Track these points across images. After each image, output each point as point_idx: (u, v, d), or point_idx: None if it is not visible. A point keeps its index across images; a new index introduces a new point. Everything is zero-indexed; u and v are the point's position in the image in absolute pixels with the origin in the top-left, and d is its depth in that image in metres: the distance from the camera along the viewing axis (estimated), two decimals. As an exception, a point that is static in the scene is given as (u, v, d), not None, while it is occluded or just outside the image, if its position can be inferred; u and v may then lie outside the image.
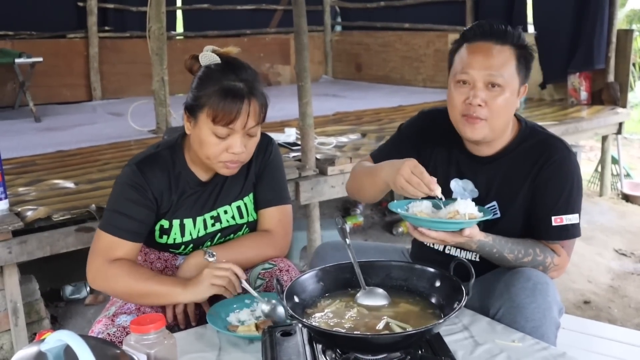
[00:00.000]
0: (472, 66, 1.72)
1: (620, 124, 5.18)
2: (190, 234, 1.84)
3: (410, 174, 1.60)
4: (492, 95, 1.71)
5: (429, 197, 1.63)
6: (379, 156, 1.99)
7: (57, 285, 3.46)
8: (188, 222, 1.83)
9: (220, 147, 1.68)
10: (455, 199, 1.69)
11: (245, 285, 1.67)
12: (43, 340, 1.12)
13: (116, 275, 1.70)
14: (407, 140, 1.97)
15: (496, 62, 1.71)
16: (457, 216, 1.60)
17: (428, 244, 1.91)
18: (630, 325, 3.14)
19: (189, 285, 1.68)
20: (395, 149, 1.98)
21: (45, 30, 6.35)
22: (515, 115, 1.84)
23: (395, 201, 1.74)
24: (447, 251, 1.91)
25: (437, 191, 1.59)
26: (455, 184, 1.88)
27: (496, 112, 1.72)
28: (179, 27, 7.54)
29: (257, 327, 1.57)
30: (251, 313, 1.66)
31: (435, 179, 1.60)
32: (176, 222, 1.82)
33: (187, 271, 1.78)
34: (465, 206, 1.62)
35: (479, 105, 1.71)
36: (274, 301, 1.62)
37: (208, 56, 1.72)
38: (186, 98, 1.74)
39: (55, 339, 1.11)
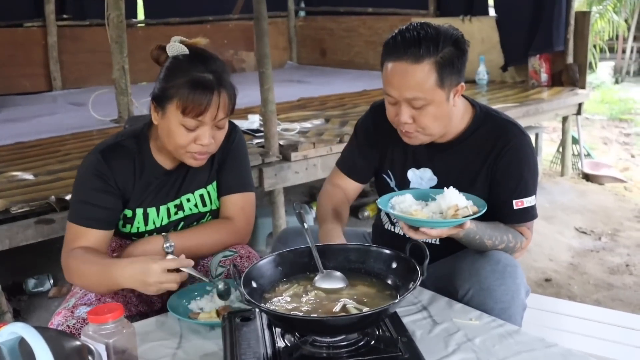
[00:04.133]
0: (392, 86, 1.70)
1: (580, 105, 5.26)
2: (154, 223, 1.83)
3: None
4: (417, 112, 1.70)
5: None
6: (344, 164, 2.03)
7: (19, 279, 3.41)
8: (152, 211, 1.82)
9: (188, 139, 1.68)
10: (442, 190, 1.64)
11: (192, 271, 1.62)
12: (-3, 333, 1.11)
13: (72, 265, 1.70)
14: (363, 141, 1.99)
15: (413, 82, 1.66)
16: (459, 211, 1.57)
17: (390, 230, 1.96)
18: (589, 300, 3.23)
19: (137, 278, 1.58)
20: (355, 151, 2.01)
21: (1, 19, 6.16)
22: (468, 100, 1.86)
23: (383, 196, 1.71)
24: (408, 235, 1.92)
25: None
26: (412, 174, 1.90)
27: (425, 125, 1.72)
28: (140, 14, 7.41)
29: (218, 313, 1.58)
30: (212, 300, 1.66)
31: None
32: (139, 211, 1.81)
33: (139, 252, 1.75)
34: (457, 198, 1.59)
35: (407, 122, 1.72)
36: (227, 282, 1.63)
37: (175, 47, 1.70)
38: (153, 88, 1.72)
39: (9, 332, 1.10)
